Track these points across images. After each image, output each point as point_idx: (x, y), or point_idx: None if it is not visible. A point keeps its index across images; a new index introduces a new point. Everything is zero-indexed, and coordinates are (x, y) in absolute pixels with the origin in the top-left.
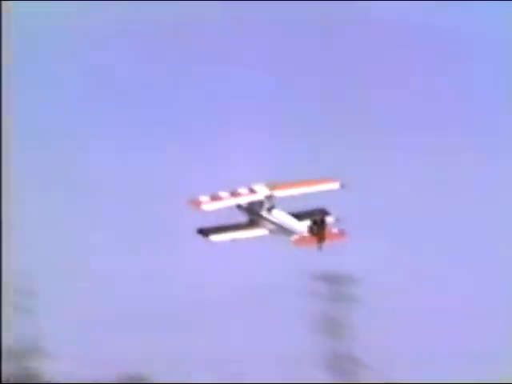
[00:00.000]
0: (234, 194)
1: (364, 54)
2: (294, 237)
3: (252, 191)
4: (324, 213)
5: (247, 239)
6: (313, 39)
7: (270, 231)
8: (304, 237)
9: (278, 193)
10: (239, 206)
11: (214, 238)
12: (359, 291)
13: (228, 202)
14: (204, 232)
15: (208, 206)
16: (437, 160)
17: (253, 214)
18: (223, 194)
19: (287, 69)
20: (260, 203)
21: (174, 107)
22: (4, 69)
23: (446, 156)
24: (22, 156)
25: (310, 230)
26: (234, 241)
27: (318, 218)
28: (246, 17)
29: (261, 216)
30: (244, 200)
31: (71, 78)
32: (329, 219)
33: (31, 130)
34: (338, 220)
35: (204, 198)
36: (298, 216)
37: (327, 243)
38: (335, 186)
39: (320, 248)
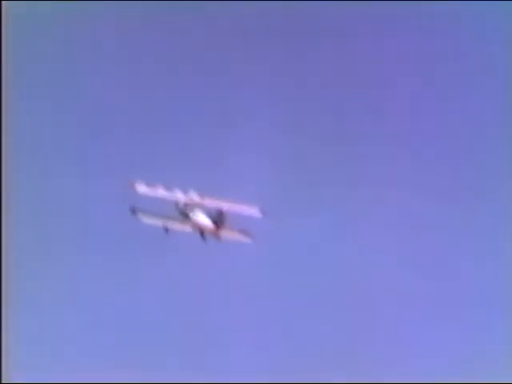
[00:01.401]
0: (167, 189)
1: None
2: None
3: (182, 194)
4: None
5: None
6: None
7: (191, 227)
8: (211, 229)
9: (204, 201)
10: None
11: (146, 219)
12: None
13: (159, 193)
14: (135, 211)
15: (142, 189)
16: None
17: (181, 213)
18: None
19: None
20: (187, 206)
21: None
22: (4, 69)
23: None
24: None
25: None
26: (165, 228)
27: (217, 217)
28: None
29: (187, 215)
30: (165, 196)
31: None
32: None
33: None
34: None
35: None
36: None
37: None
38: (252, 211)
39: (219, 239)
